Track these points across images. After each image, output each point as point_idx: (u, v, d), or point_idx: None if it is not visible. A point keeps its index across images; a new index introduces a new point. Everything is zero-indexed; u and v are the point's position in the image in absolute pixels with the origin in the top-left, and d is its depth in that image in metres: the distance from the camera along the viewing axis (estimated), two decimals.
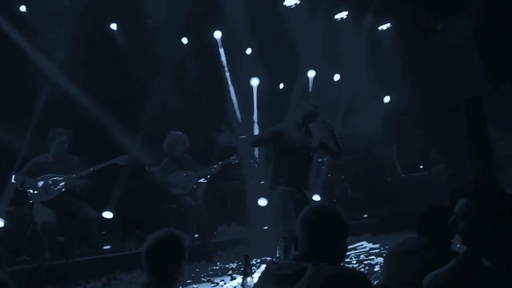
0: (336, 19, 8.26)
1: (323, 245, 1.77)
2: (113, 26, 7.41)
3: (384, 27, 8.59)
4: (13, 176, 5.04)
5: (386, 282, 2.50)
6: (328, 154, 4.43)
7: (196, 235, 5.83)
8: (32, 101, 6.22)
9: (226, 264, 5.53)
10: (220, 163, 5.98)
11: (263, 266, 4.12)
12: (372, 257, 5.30)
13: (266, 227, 7.12)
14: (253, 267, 3.96)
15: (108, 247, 5.60)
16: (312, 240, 1.79)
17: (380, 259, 5.09)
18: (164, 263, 2.19)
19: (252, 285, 2.54)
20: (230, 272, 5.08)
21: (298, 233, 1.84)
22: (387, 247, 5.77)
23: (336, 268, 1.69)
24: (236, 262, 5.51)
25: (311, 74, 9.16)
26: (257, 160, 7.70)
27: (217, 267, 5.39)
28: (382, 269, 2.73)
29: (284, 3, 7.62)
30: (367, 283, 1.70)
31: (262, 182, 7.42)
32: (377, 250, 5.67)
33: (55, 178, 5.03)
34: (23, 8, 6.50)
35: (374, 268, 4.75)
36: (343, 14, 8.17)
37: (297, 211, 3.92)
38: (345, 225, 1.82)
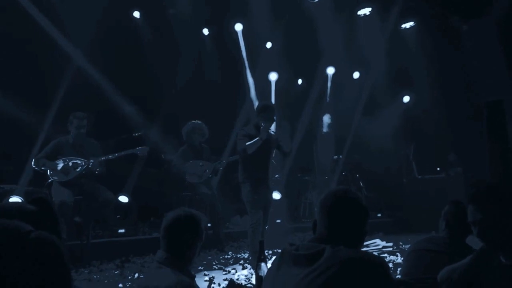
0: (359, 15, 8.19)
1: (341, 228, 1.76)
2: (136, 14, 7.48)
3: (408, 25, 8.49)
4: (33, 160, 5.14)
5: (406, 276, 2.50)
6: (280, 152, 5.02)
7: (209, 224, 5.87)
8: (56, 84, 6.32)
9: (238, 254, 5.57)
10: (231, 157, 6.06)
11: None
12: (385, 255, 5.27)
13: (278, 221, 7.14)
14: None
15: (123, 230, 5.67)
16: (330, 223, 1.78)
17: (393, 257, 5.07)
18: (180, 241, 2.21)
19: (266, 270, 2.54)
20: (241, 261, 5.11)
21: (316, 216, 1.84)
22: (401, 246, 5.74)
23: (354, 252, 1.68)
24: (247, 252, 5.53)
25: (330, 71, 9.13)
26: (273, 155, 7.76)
27: (229, 256, 5.43)
28: (403, 263, 2.72)
29: None
30: (385, 269, 1.68)
31: (276, 176, 7.44)
32: (390, 249, 5.64)
33: (75, 161, 5.12)
34: None
35: None
36: (366, 11, 8.09)
37: (263, 200, 4.69)
38: (364, 209, 1.81)
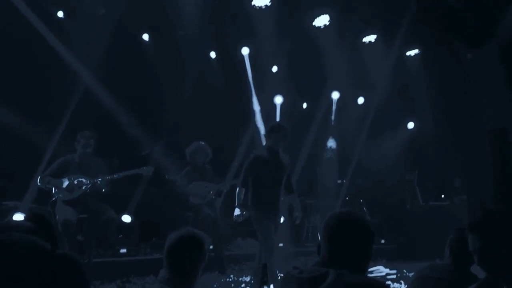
0: (364, 42, 8.30)
1: (343, 252, 1.75)
2: (145, 36, 7.62)
3: (412, 53, 8.59)
4: (39, 178, 5.17)
5: None
6: (285, 183, 4.82)
7: (211, 246, 5.83)
8: (64, 103, 6.41)
9: (240, 277, 5.50)
10: (235, 180, 6.05)
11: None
12: (389, 282, 5.19)
13: (281, 244, 7.07)
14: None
15: (124, 250, 5.64)
16: (332, 247, 1.77)
17: (397, 285, 5.00)
18: (183, 262, 2.21)
19: None
20: (243, 285, 5.06)
21: (320, 239, 1.84)
22: (404, 273, 5.67)
23: (359, 277, 1.67)
24: (249, 276, 5.47)
25: (335, 95, 9.21)
26: None
27: (230, 279, 5.37)
28: None
29: (313, 23, 7.70)
30: None
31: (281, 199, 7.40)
32: (394, 276, 5.57)
33: (80, 179, 5.15)
34: (60, 14, 6.76)
35: None
36: (371, 38, 8.21)
37: (272, 224, 4.59)
38: (369, 231, 1.79)
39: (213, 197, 6.00)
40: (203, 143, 6.14)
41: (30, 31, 6.28)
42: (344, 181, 8.65)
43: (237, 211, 4.63)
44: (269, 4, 7.22)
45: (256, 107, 8.64)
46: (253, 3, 7.27)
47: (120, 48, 6.87)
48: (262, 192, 4.61)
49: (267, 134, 4.80)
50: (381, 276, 5.59)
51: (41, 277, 1.17)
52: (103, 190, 5.14)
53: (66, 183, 5.11)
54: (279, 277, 3.82)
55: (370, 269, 5.80)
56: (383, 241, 7.99)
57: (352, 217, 1.81)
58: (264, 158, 4.66)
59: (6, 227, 1.82)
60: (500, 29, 7.30)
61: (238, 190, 4.70)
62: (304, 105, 9.49)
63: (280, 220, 4.88)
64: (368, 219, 8.25)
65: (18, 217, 5.03)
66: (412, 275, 2.77)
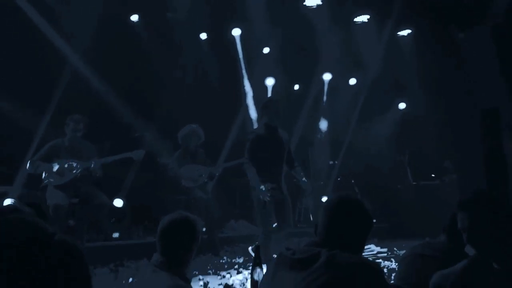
0: (357, 22, 8.23)
1: (340, 233, 1.77)
2: (134, 17, 7.49)
3: (405, 33, 8.54)
4: (28, 163, 5.11)
5: (401, 281, 2.49)
6: (287, 159, 4.79)
7: (204, 229, 5.85)
8: (53, 86, 6.31)
9: (233, 258, 5.54)
10: (227, 163, 6.05)
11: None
12: (380, 260, 5.27)
13: (274, 225, 7.12)
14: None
15: (117, 234, 5.63)
16: (330, 227, 1.79)
17: (388, 263, 5.07)
18: (176, 245, 2.21)
19: (262, 275, 2.54)
20: (236, 266, 5.09)
21: (318, 219, 1.85)
22: (395, 252, 5.75)
23: (350, 257, 1.69)
24: (242, 257, 5.52)
25: (327, 77, 9.17)
26: None
27: (224, 261, 5.40)
28: (398, 268, 2.73)
29: (304, 3, 7.58)
30: (381, 274, 1.69)
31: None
32: (385, 254, 5.65)
33: (71, 163, 5.09)
34: None
35: None
36: (364, 18, 8.13)
37: (276, 207, 4.51)
38: (367, 216, 1.82)
39: (205, 180, 5.99)
40: (195, 126, 6.10)
41: (17, 13, 6.14)
42: (336, 162, 8.69)
43: (261, 190, 4.42)
44: None
45: (248, 89, 8.58)
46: None
47: (109, 31, 6.75)
48: (264, 170, 4.53)
49: (261, 112, 4.76)
50: (372, 254, 5.66)
51: (43, 261, 1.15)
52: (98, 174, 5.09)
53: (56, 167, 5.06)
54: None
55: None
56: (374, 221, 8.06)
57: (353, 199, 1.83)
58: (262, 136, 4.61)
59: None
60: (492, 10, 7.28)
61: (250, 171, 4.56)
62: (296, 87, 9.45)
63: (284, 195, 4.70)
64: (368, 207, 8.34)
65: (8, 202, 4.99)
66: (403, 253, 2.80)
